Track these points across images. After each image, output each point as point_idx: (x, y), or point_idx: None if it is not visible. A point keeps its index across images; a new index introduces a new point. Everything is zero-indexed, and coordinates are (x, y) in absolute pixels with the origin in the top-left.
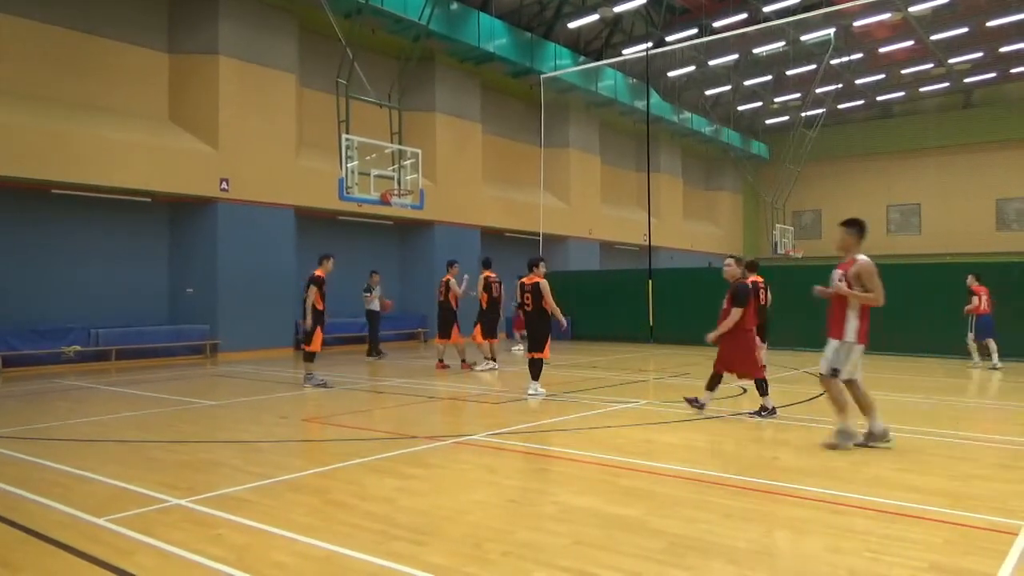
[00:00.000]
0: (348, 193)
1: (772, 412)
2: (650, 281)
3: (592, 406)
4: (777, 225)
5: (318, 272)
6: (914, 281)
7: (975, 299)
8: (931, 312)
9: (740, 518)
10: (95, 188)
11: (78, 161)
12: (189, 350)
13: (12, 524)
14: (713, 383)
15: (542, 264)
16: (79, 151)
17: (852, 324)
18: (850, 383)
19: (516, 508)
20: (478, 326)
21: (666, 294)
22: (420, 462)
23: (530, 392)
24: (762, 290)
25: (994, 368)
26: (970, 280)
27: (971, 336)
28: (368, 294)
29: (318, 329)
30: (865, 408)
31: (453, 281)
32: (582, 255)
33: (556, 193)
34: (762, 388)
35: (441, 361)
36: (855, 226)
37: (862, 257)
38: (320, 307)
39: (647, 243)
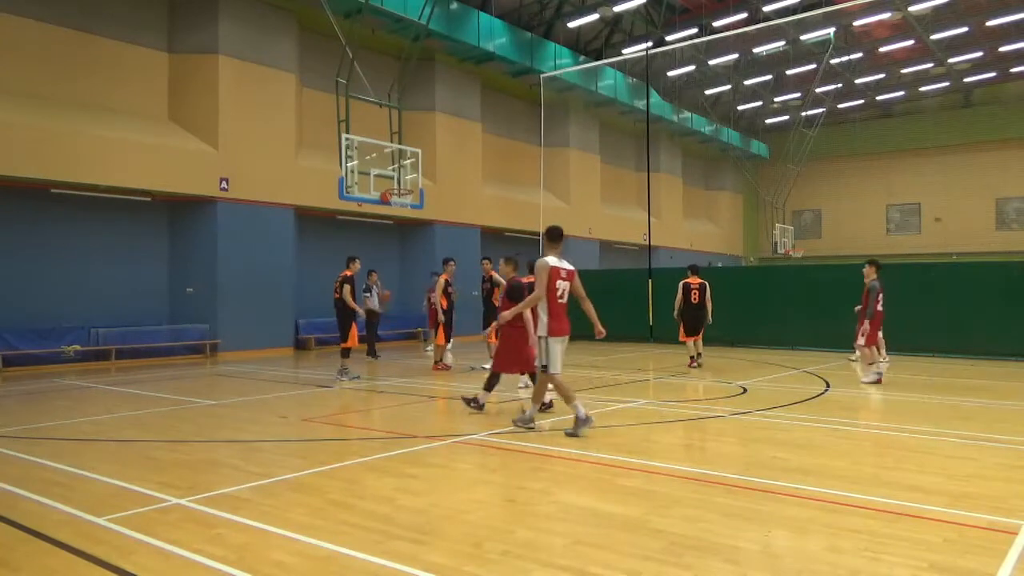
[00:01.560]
0: (348, 192)
1: (480, 406)
2: (650, 280)
3: (591, 406)
4: (777, 224)
5: (348, 272)
6: (914, 281)
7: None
8: (930, 311)
9: (740, 517)
10: (95, 187)
11: (78, 160)
12: (189, 349)
13: (12, 523)
14: (490, 384)
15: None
16: (79, 150)
17: (542, 320)
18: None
19: (515, 508)
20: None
21: (666, 293)
22: (420, 462)
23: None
24: (695, 290)
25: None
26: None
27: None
28: (367, 294)
29: (353, 325)
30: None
31: (441, 282)
32: (582, 255)
33: (556, 192)
34: (491, 383)
35: (437, 362)
36: (546, 236)
37: (540, 260)
38: (353, 305)
39: (647, 243)
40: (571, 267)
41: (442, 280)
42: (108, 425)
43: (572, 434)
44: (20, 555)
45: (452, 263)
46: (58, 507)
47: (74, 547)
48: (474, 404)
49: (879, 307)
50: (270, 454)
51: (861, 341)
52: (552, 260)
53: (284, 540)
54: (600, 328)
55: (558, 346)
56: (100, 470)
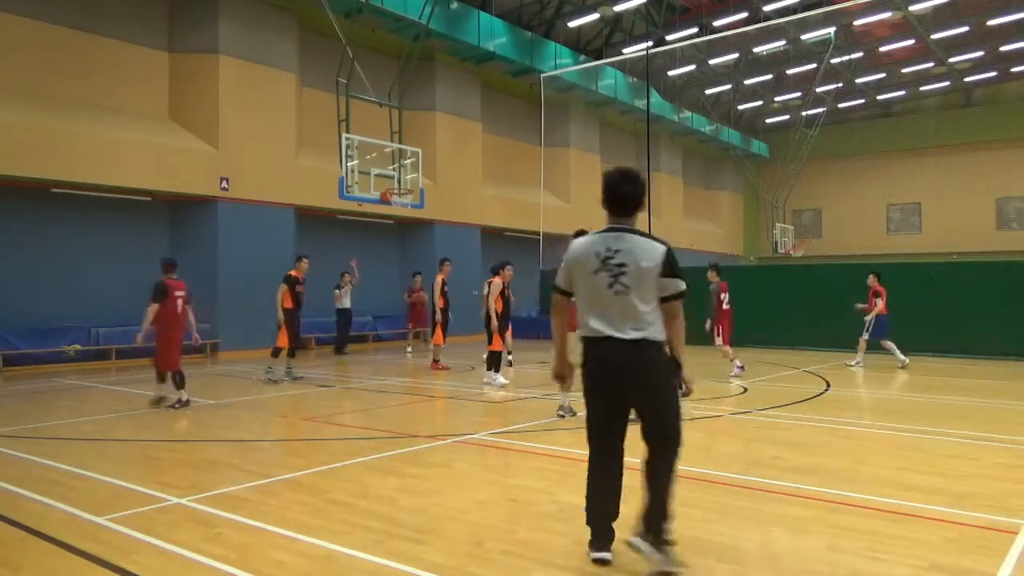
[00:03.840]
0: (348, 192)
1: (186, 404)
2: None
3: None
4: (777, 224)
5: (292, 272)
6: (915, 280)
7: (878, 300)
8: (930, 311)
9: (740, 517)
10: (95, 187)
11: (78, 160)
12: (189, 349)
13: (12, 523)
14: (180, 382)
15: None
16: (79, 150)
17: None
18: None
19: (516, 507)
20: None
21: None
22: (420, 461)
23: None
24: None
25: (903, 366)
26: (871, 280)
27: (866, 336)
28: (337, 291)
29: (284, 326)
30: None
31: (438, 282)
32: None
33: (556, 192)
34: (176, 381)
35: (436, 361)
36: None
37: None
38: (288, 305)
39: None
40: None
41: (439, 280)
42: (109, 425)
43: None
44: (21, 554)
45: (448, 263)
46: (59, 506)
47: (75, 546)
48: (170, 404)
49: (725, 306)
50: (270, 454)
51: (718, 341)
52: None
53: (284, 540)
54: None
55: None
56: (100, 470)
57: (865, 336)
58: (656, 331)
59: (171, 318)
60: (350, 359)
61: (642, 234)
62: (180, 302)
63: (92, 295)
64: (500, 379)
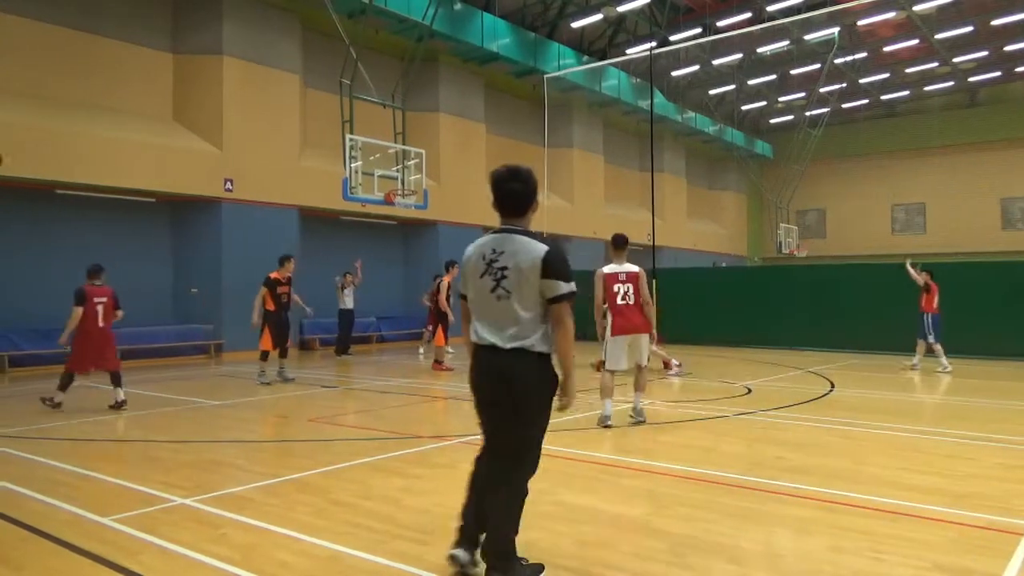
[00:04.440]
0: (352, 193)
1: (57, 405)
2: (655, 280)
3: (594, 406)
4: (781, 224)
5: (272, 274)
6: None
7: (932, 297)
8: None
9: (743, 518)
10: (99, 188)
11: (82, 161)
12: (193, 350)
13: (16, 522)
14: (65, 383)
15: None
16: (83, 151)
17: (609, 322)
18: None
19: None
20: None
21: (670, 294)
22: (425, 462)
23: None
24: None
25: (945, 371)
26: (925, 277)
27: (931, 338)
28: (345, 291)
29: (265, 329)
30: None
31: (444, 284)
32: (586, 255)
33: (560, 193)
34: (63, 382)
35: (439, 362)
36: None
37: (597, 271)
38: (270, 308)
39: (651, 243)
40: (633, 270)
41: (445, 282)
42: (113, 425)
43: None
44: (24, 554)
45: (456, 266)
46: (63, 506)
47: (79, 547)
48: (49, 403)
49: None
50: (274, 454)
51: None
52: (607, 268)
53: (289, 540)
54: (653, 333)
55: (614, 345)
56: (105, 470)
57: (931, 339)
58: (537, 340)
59: (88, 323)
60: (353, 360)
61: (528, 235)
62: (100, 308)
63: None
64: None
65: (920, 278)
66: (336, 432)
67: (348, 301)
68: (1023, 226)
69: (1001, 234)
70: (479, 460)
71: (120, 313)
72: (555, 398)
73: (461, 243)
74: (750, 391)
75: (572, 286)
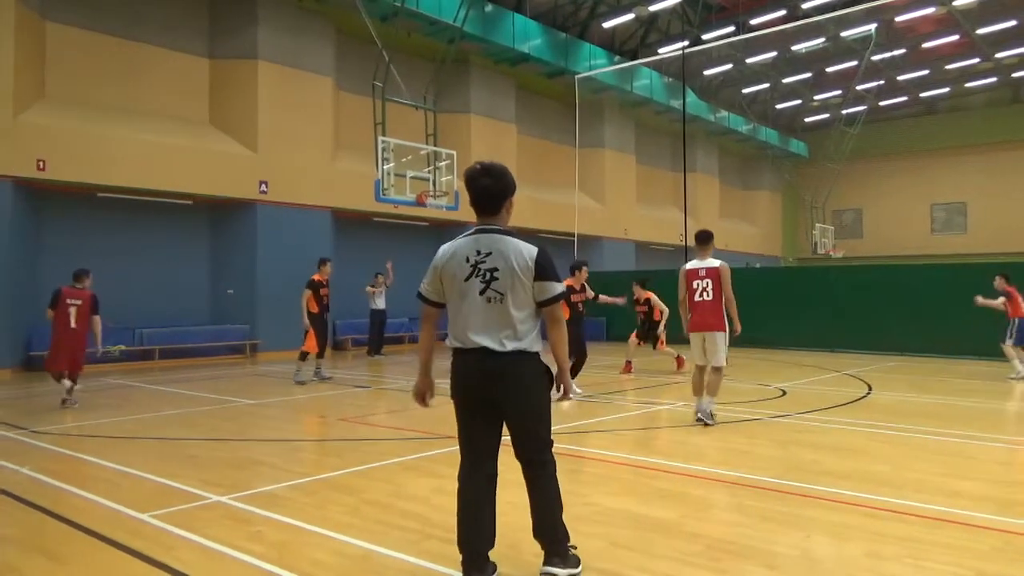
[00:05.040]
0: (384, 195)
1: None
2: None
3: (626, 407)
4: (817, 225)
5: (315, 276)
6: (960, 282)
7: (1008, 303)
8: (976, 313)
9: (778, 522)
10: (138, 191)
11: (122, 165)
12: (229, 350)
13: (60, 518)
14: (57, 378)
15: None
16: (123, 155)
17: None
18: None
19: None
20: None
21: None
22: (456, 462)
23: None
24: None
25: (1019, 377)
26: (999, 282)
27: (1010, 341)
28: (376, 291)
29: (311, 331)
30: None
31: None
32: (617, 255)
33: (591, 193)
34: (55, 378)
35: None
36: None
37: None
38: (314, 310)
39: (683, 243)
40: (713, 265)
41: None
42: (152, 424)
43: (701, 421)
44: (69, 549)
45: None
46: (104, 503)
47: (119, 542)
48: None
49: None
50: (309, 453)
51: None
52: (690, 264)
53: (322, 538)
54: (738, 326)
55: (692, 341)
56: (144, 467)
57: (1010, 342)
58: (532, 341)
59: (60, 324)
60: (385, 360)
61: (512, 235)
62: (73, 311)
63: (136, 297)
64: None
65: (996, 302)
66: (368, 432)
67: (380, 302)
68: None
69: None
70: (467, 476)
71: (97, 319)
72: (551, 392)
73: None
74: (785, 393)
75: (563, 286)
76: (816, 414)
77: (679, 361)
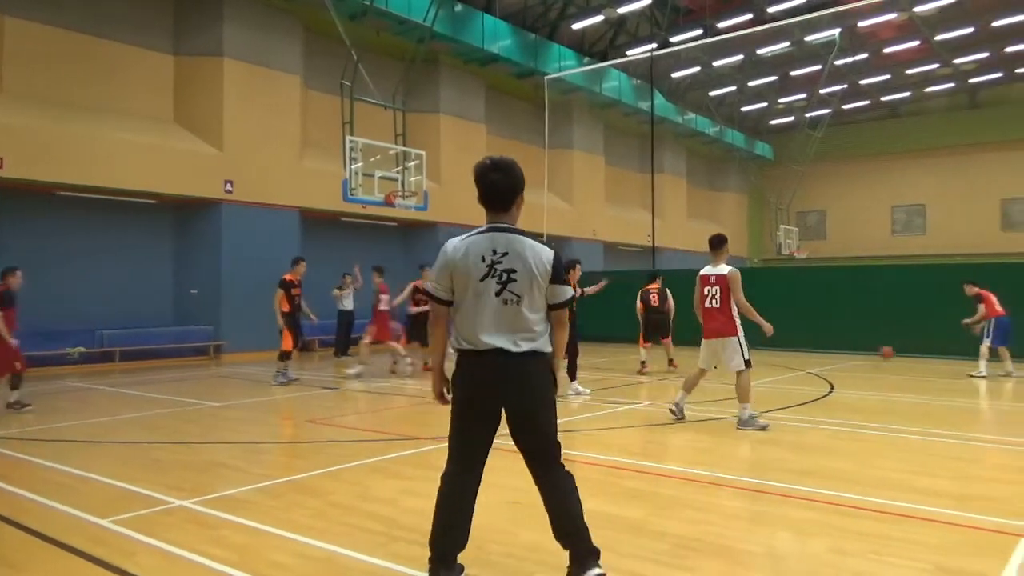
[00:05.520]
0: (352, 195)
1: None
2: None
3: (594, 407)
4: (781, 226)
5: (287, 276)
6: (920, 282)
7: (981, 306)
8: (937, 313)
9: (744, 519)
10: (100, 190)
11: (83, 163)
12: (193, 351)
13: (16, 525)
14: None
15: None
16: (85, 153)
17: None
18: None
19: (518, 509)
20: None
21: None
22: (423, 463)
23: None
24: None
25: (1007, 375)
26: (968, 289)
27: (987, 342)
28: (344, 291)
29: (286, 330)
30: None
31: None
32: (586, 256)
33: (560, 194)
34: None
35: (426, 364)
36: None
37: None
38: (285, 308)
39: (651, 244)
40: (722, 272)
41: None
42: (112, 427)
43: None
44: (26, 556)
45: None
46: (62, 508)
47: (77, 548)
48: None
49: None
50: (274, 456)
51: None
52: (704, 270)
53: (286, 541)
54: (767, 327)
55: (702, 347)
56: (104, 472)
57: (987, 342)
58: (545, 342)
59: (10, 324)
60: (352, 361)
61: (529, 235)
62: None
63: (97, 297)
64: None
65: (979, 315)
66: (335, 433)
67: (347, 303)
68: (1023, 228)
69: (1001, 235)
70: (454, 478)
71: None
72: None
73: None
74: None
75: (571, 290)
76: (781, 412)
77: (643, 365)
